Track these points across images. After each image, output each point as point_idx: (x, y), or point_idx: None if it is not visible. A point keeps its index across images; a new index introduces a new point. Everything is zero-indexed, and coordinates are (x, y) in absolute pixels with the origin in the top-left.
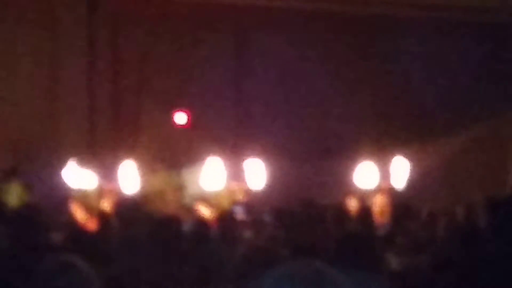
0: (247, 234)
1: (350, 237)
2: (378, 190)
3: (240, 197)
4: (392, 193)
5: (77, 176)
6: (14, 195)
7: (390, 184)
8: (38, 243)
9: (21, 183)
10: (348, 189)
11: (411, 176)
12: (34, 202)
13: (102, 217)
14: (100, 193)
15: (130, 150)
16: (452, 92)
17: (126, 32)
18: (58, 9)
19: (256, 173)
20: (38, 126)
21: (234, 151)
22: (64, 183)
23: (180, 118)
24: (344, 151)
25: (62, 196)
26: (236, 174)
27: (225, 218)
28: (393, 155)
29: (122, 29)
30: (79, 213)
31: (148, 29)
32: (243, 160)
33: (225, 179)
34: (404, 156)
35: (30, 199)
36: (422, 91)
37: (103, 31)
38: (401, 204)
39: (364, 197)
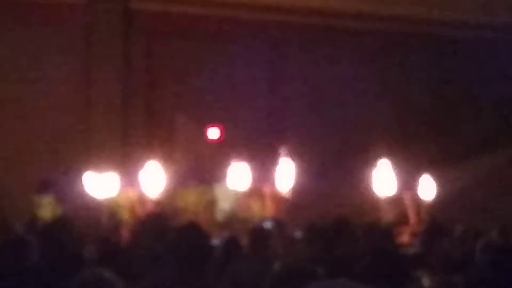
0: (279, 250)
1: (382, 255)
2: (406, 204)
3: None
4: (421, 208)
5: (109, 190)
6: (47, 208)
7: (418, 199)
8: (70, 257)
9: (53, 196)
10: (376, 203)
11: (445, 194)
12: (66, 216)
13: (133, 230)
14: (132, 206)
15: (163, 164)
16: (488, 110)
17: (160, 47)
18: (93, 24)
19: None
20: (71, 141)
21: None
22: (96, 197)
23: (213, 133)
24: (375, 164)
25: (95, 209)
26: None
27: (256, 233)
28: (424, 171)
29: (156, 44)
30: (110, 226)
31: (182, 46)
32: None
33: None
34: (437, 174)
35: (62, 212)
36: (456, 109)
37: (137, 46)
38: (432, 222)
39: (393, 213)
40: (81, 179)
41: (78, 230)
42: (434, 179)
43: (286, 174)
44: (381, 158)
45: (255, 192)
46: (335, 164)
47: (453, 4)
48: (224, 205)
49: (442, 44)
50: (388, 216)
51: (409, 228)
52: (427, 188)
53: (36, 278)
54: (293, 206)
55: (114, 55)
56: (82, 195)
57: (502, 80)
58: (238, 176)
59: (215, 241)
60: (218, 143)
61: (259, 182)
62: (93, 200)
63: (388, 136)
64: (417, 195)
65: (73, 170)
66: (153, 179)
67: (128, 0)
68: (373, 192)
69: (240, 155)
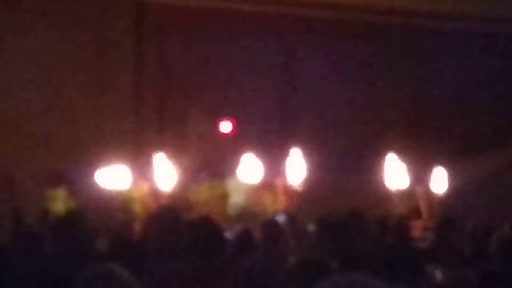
0: (292, 243)
1: (395, 249)
2: (418, 198)
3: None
4: (433, 202)
5: (122, 183)
6: (60, 201)
7: (431, 192)
8: (83, 250)
9: (66, 189)
10: (388, 197)
11: (457, 188)
12: (79, 209)
13: (145, 223)
14: (144, 199)
15: (175, 158)
16: (499, 103)
17: (172, 41)
18: (105, 20)
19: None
20: (84, 134)
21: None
22: (109, 190)
23: (225, 126)
24: (386, 158)
25: (107, 203)
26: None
27: (269, 226)
28: (436, 164)
29: (168, 37)
30: (123, 219)
31: (194, 40)
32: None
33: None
34: (449, 167)
35: (75, 206)
36: (468, 102)
37: (150, 39)
38: (445, 216)
39: (405, 206)
40: (93, 172)
41: (91, 223)
42: (446, 173)
43: (297, 167)
44: (393, 152)
45: (267, 185)
46: (347, 157)
47: None
48: (236, 198)
49: (455, 38)
50: (400, 209)
51: (422, 222)
52: (440, 181)
53: (49, 271)
54: (305, 200)
55: (126, 48)
56: (95, 188)
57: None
58: (250, 169)
59: (228, 235)
60: (230, 136)
61: (271, 175)
62: (105, 193)
63: (400, 129)
64: (430, 188)
65: (86, 163)
66: (166, 172)
67: None
68: (385, 185)
69: (252, 149)
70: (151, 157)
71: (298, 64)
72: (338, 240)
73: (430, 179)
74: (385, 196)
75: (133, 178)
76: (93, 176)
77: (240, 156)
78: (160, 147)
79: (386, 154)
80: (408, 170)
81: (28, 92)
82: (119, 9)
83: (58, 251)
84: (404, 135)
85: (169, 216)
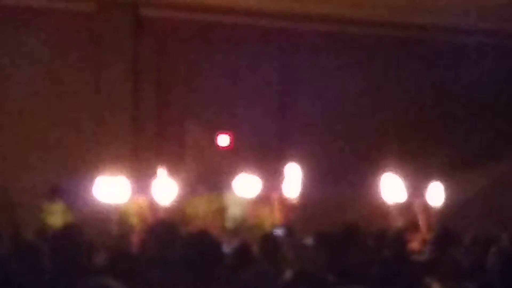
0: (290, 257)
1: (393, 262)
2: (416, 211)
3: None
4: (431, 215)
5: (120, 196)
6: (58, 215)
7: (428, 205)
8: (81, 264)
9: (64, 203)
10: (386, 210)
11: (454, 201)
12: (77, 222)
13: (142, 237)
14: (142, 213)
15: (173, 171)
16: (495, 117)
17: (170, 54)
18: (103, 30)
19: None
20: (82, 148)
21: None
22: (107, 204)
23: (223, 140)
24: (383, 171)
25: (105, 216)
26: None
27: (266, 240)
28: (433, 178)
29: (166, 51)
30: (121, 233)
31: (192, 52)
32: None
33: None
34: (447, 180)
35: (73, 219)
36: (464, 116)
37: (147, 53)
38: (443, 228)
39: (403, 219)
40: (91, 186)
41: (88, 237)
42: (443, 186)
43: (295, 181)
44: (390, 165)
45: (264, 199)
46: (344, 171)
47: (450, 10)
48: (233, 212)
49: (451, 51)
50: (398, 223)
51: (419, 235)
52: (437, 194)
53: (46, 285)
54: (302, 213)
55: (124, 62)
56: (93, 202)
57: (505, 85)
58: (248, 183)
59: (226, 248)
60: (228, 150)
61: (268, 189)
62: (103, 207)
63: (397, 142)
64: (427, 201)
65: (84, 177)
66: (163, 186)
67: (138, 7)
68: (383, 199)
69: (250, 162)
70: (149, 171)
71: (295, 78)
72: (335, 254)
73: (427, 192)
74: (382, 209)
75: (131, 191)
76: (91, 189)
77: (237, 170)
78: (158, 160)
79: (383, 168)
80: (405, 184)
81: (26, 106)
82: (117, 23)
83: (56, 264)
84: (401, 149)
85: (166, 229)
